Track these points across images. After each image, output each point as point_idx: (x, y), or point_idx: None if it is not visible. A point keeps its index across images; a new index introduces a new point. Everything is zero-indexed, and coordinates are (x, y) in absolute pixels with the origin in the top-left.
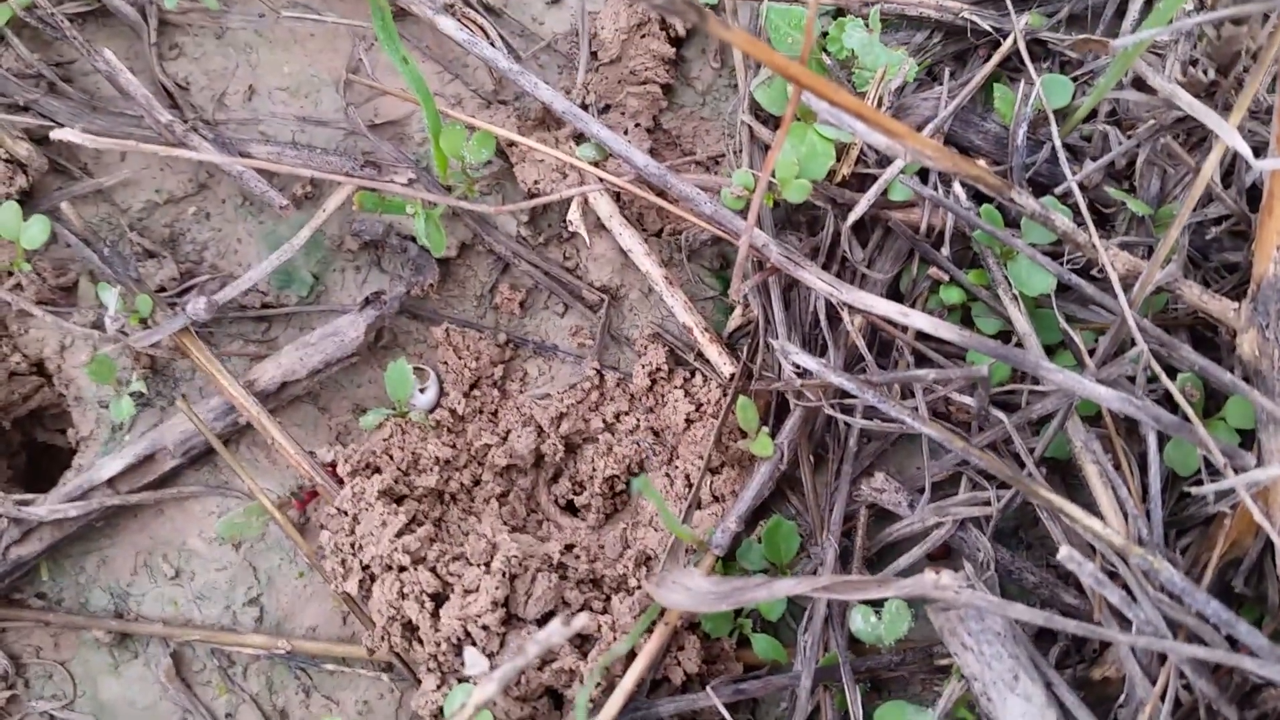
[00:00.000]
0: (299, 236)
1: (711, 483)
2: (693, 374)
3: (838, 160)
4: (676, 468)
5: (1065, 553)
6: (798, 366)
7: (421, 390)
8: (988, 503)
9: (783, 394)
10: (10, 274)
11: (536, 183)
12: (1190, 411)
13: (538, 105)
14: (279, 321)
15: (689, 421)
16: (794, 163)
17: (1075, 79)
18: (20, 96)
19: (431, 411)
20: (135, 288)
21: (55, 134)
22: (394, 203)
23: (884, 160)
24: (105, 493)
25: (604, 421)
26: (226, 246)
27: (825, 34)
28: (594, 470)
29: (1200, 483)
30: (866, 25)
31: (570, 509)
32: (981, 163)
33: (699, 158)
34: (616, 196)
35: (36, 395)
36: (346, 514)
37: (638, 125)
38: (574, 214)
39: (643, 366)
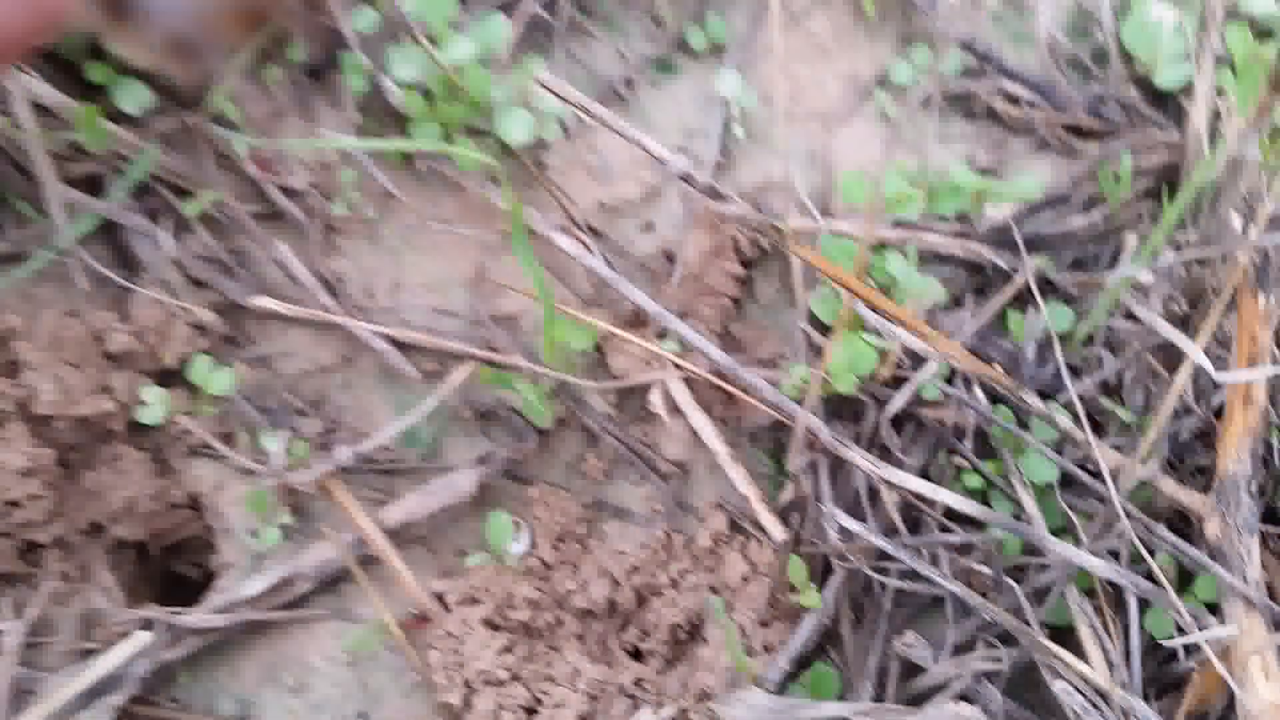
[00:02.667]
0: (426, 404)
1: (763, 635)
2: (749, 538)
3: (880, 363)
4: (733, 619)
5: (1060, 687)
6: (843, 530)
7: (516, 540)
8: (999, 659)
9: (826, 558)
10: (188, 417)
11: (625, 370)
12: (1163, 579)
13: (629, 307)
14: (400, 475)
15: (745, 579)
16: (843, 362)
17: (1076, 310)
18: (202, 275)
19: (523, 558)
20: (294, 435)
21: (253, 300)
22: (507, 378)
23: (916, 365)
24: (247, 609)
25: (670, 578)
26: (362, 410)
27: (870, 264)
28: (659, 619)
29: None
30: (904, 256)
31: (636, 655)
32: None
33: (760, 357)
34: (691, 385)
35: (186, 527)
36: (454, 635)
37: (710, 330)
38: (655, 398)
39: (706, 530)
